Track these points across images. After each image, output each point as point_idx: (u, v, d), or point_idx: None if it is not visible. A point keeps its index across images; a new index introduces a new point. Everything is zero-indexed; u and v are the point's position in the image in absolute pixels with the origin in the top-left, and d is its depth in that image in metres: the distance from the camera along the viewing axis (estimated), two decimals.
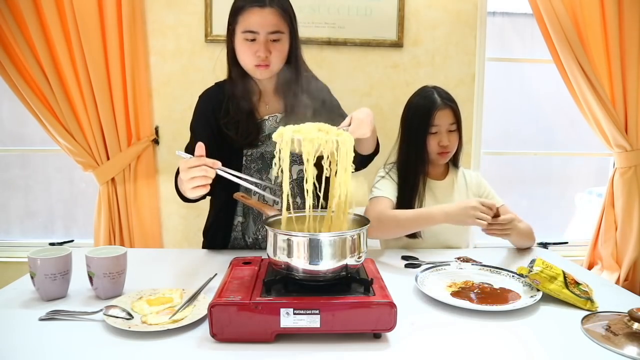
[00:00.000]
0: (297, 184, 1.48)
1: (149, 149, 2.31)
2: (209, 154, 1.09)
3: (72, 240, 2.51)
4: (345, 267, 0.94)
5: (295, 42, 1.39)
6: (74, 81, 2.16)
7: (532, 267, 1.12)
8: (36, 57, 2.13)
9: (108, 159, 2.25)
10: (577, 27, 2.27)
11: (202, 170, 1.04)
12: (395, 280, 1.20)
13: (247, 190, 1.33)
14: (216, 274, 1.20)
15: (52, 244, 2.32)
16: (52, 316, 0.98)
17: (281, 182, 0.98)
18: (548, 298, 1.09)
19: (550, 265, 1.12)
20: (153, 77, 2.31)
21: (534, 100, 2.69)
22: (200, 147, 1.07)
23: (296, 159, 1.42)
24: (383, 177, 1.60)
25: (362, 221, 1.04)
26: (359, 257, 0.96)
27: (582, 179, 2.78)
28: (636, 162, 2.38)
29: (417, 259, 1.43)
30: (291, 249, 0.93)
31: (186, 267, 1.35)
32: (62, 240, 2.48)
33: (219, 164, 1.07)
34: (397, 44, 2.35)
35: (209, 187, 1.07)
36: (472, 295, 1.11)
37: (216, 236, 1.50)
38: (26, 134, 2.47)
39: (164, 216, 2.41)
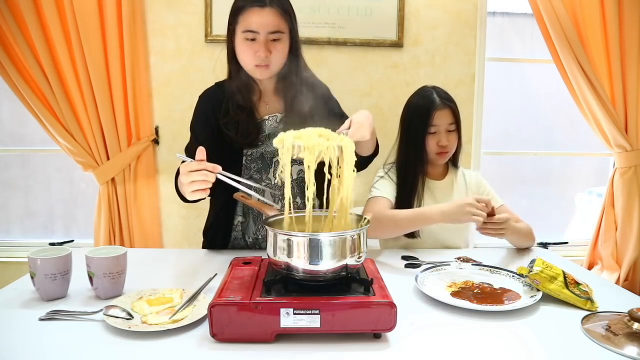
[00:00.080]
0: (297, 183, 1.48)
1: (149, 149, 2.31)
2: (209, 154, 1.09)
3: (72, 240, 2.51)
4: (345, 267, 0.94)
5: (295, 42, 1.39)
6: (74, 81, 2.16)
7: (532, 267, 1.12)
8: (36, 57, 2.13)
9: (108, 159, 2.25)
10: (577, 27, 2.27)
11: (202, 175, 1.04)
12: (395, 280, 1.20)
13: (246, 184, 1.33)
14: (216, 274, 1.20)
15: (52, 244, 2.32)
16: (52, 316, 0.98)
17: (282, 186, 0.98)
18: (548, 298, 1.09)
19: (550, 265, 1.12)
20: (153, 77, 2.31)
21: (534, 100, 2.69)
22: (201, 152, 1.07)
23: (296, 159, 1.43)
24: (382, 177, 1.60)
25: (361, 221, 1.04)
26: (359, 257, 0.96)
27: (582, 179, 2.78)
28: (636, 162, 2.38)
29: (417, 259, 1.43)
30: (291, 249, 0.93)
31: (186, 267, 1.35)
32: (62, 240, 2.48)
33: (219, 168, 1.07)
34: (397, 44, 2.35)
35: (208, 191, 1.07)
36: (472, 296, 1.11)
37: (216, 236, 1.50)
38: (26, 134, 2.47)
39: (164, 216, 2.41)
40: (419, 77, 2.38)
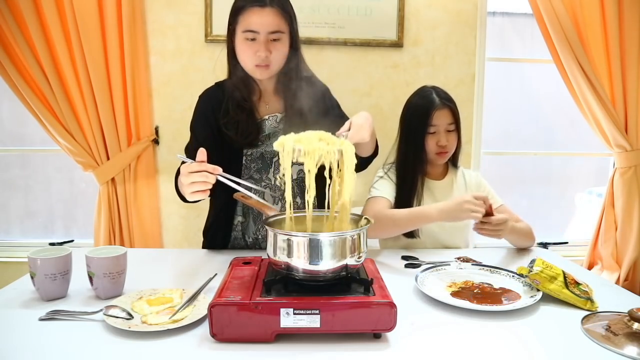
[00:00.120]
0: (297, 183, 1.48)
1: (149, 149, 2.31)
2: (209, 154, 1.09)
3: (72, 240, 2.51)
4: (345, 267, 0.94)
5: (295, 42, 1.39)
6: (74, 81, 2.16)
7: (532, 267, 1.12)
8: (36, 57, 2.13)
9: (108, 159, 2.25)
10: (577, 27, 2.27)
11: (202, 176, 1.04)
12: (395, 280, 1.20)
13: (246, 186, 1.33)
14: (216, 274, 1.20)
15: (52, 244, 2.32)
16: (52, 316, 0.98)
17: (283, 190, 0.99)
18: (548, 298, 1.09)
19: (550, 265, 1.12)
20: (153, 77, 2.31)
21: (534, 100, 2.68)
22: (202, 153, 1.07)
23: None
24: (381, 177, 1.60)
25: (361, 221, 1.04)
26: (359, 257, 0.96)
27: (582, 179, 2.78)
28: (636, 162, 2.38)
29: (417, 259, 1.43)
30: (291, 249, 0.93)
31: (186, 267, 1.35)
32: (62, 240, 2.48)
33: (219, 170, 1.07)
34: (397, 44, 2.35)
35: (208, 192, 1.08)
36: (472, 296, 1.11)
37: (216, 236, 1.50)
38: (26, 134, 2.47)
39: (164, 216, 2.41)
40: (419, 77, 2.38)
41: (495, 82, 2.55)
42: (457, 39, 2.39)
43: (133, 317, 0.97)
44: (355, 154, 1.02)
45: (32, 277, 1.07)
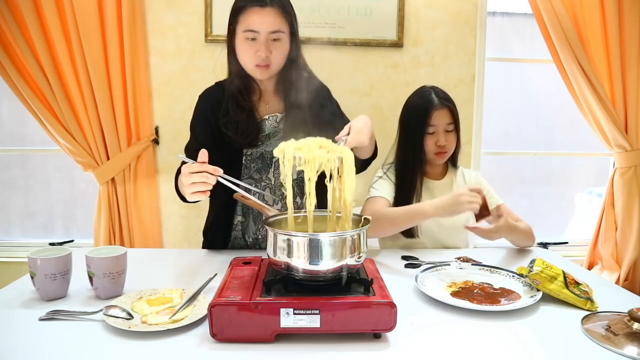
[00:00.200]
0: (297, 183, 1.48)
1: (149, 149, 2.31)
2: (209, 154, 1.09)
3: (72, 240, 2.51)
4: (346, 267, 0.94)
5: (295, 42, 1.39)
6: (74, 81, 2.16)
7: (532, 267, 1.12)
8: (36, 57, 2.13)
9: (108, 159, 2.25)
10: (577, 27, 2.27)
11: (203, 177, 1.04)
12: (395, 280, 1.20)
13: (246, 188, 1.33)
14: (216, 274, 1.20)
15: (52, 244, 2.32)
16: (52, 316, 0.98)
17: (285, 196, 1.00)
18: (548, 298, 1.09)
19: (550, 265, 1.12)
20: (153, 77, 2.31)
21: (534, 100, 2.68)
22: (203, 154, 1.07)
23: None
24: (381, 177, 1.61)
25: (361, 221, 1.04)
26: (359, 257, 0.97)
27: (582, 179, 2.78)
28: (636, 162, 2.38)
29: (417, 259, 1.43)
30: (291, 249, 0.93)
31: (186, 267, 1.35)
32: (62, 240, 2.48)
33: (220, 171, 1.07)
34: (397, 44, 2.35)
35: (208, 193, 1.08)
36: (472, 296, 1.11)
37: (216, 236, 1.50)
38: (26, 134, 2.47)
39: (164, 216, 2.41)
40: (419, 77, 2.38)
41: (495, 82, 2.55)
42: (457, 39, 2.39)
43: (133, 317, 0.97)
44: (355, 156, 1.03)
45: (32, 277, 1.07)
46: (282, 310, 0.87)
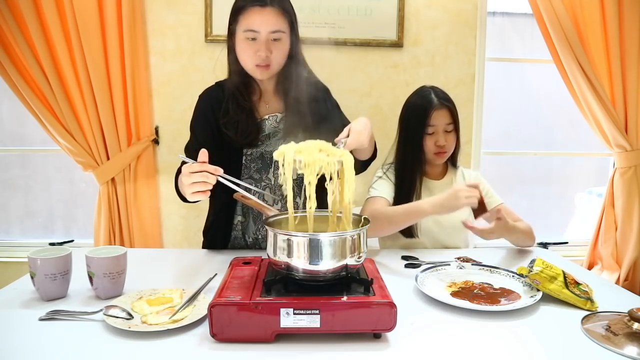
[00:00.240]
0: (297, 183, 1.48)
1: (149, 149, 2.31)
2: (209, 154, 1.09)
3: (72, 240, 2.51)
4: (345, 267, 0.94)
5: (295, 42, 1.39)
6: (74, 81, 2.16)
7: (532, 267, 1.12)
8: (36, 57, 2.13)
9: (108, 159, 2.25)
10: (577, 27, 2.27)
11: (203, 176, 1.04)
12: (395, 280, 1.20)
13: (246, 188, 1.34)
14: (216, 274, 1.20)
15: (52, 244, 2.32)
16: (52, 316, 0.98)
17: (285, 199, 1.01)
18: (548, 298, 1.09)
19: (550, 265, 1.12)
20: (153, 77, 2.31)
21: (534, 100, 2.68)
22: (203, 154, 1.07)
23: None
24: (380, 177, 1.61)
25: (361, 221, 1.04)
26: (359, 257, 0.97)
27: (582, 179, 2.78)
28: (636, 162, 2.38)
29: (417, 259, 1.43)
30: (291, 249, 0.93)
31: (186, 267, 1.35)
32: (62, 240, 2.48)
33: (220, 170, 1.07)
34: (397, 44, 2.35)
35: (209, 193, 1.08)
36: (472, 296, 1.11)
37: (216, 236, 1.50)
38: (26, 134, 2.47)
39: (164, 216, 2.41)
40: (419, 77, 2.38)
41: (495, 82, 2.54)
42: (457, 39, 2.39)
43: (133, 317, 0.97)
44: (355, 158, 1.03)
45: (32, 277, 1.07)
46: (282, 310, 0.87)
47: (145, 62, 2.27)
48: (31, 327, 0.95)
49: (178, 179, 1.29)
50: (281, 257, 0.94)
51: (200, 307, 1.01)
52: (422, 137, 1.55)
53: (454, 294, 1.12)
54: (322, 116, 1.43)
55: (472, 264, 1.33)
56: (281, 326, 0.88)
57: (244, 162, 1.43)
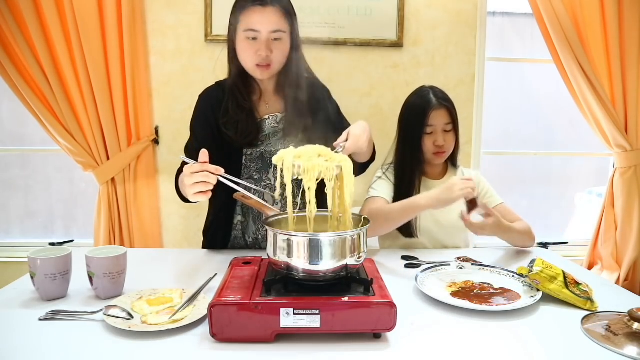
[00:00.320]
0: (297, 184, 1.47)
1: (149, 149, 2.31)
2: (209, 154, 1.09)
3: (72, 240, 2.51)
4: (345, 267, 0.94)
5: (296, 42, 1.39)
6: (74, 81, 2.16)
7: (532, 267, 1.12)
8: (36, 57, 2.13)
9: (108, 159, 2.25)
10: (577, 27, 2.27)
11: (204, 176, 1.05)
12: (395, 280, 1.20)
13: (247, 188, 1.34)
14: (216, 274, 1.20)
15: (52, 244, 2.32)
16: (52, 316, 0.98)
17: (285, 200, 1.01)
18: (548, 298, 1.09)
19: (550, 265, 1.12)
20: (153, 77, 2.31)
21: (534, 100, 2.68)
22: (204, 154, 1.08)
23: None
24: (380, 177, 1.61)
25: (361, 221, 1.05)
26: (359, 257, 0.97)
27: (582, 179, 2.78)
28: (636, 162, 2.37)
29: (417, 259, 1.43)
30: (291, 249, 0.93)
31: (186, 267, 1.35)
32: (62, 240, 2.47)
33: (221, 170, 1.08)
34: (397, 44, 2.35)
35: (210, 194, 1.08)
36: (472, 296, 1.11)
37: (216, 235, 1.50)
38: (26, 134, 2.47)
39: (164, 216, 2.40)
40: (419, 77, 2.38)
41: (495, 82, 2.54)
42: (457, 39, 2.39)
43: (133, 317, 0.97)
44: (353, 160, 1.04)
45: (32, 277, 1.07)
46: (282, 310, 0.87)
47: (145, 62, 2.27)
48: (31, 327, 0.95)
49: (179, 179, 1.29)
50: (281, 257, 0.94)
51: (200, 307, 1.01)
52: (421, 137, 1.55)
53: (454, 294, 1.12)
54: (322, 117, 1.43)
55: (472, 264, 1.33)
56: (281, 326, 0.88)
57: (244, 162, 1.43)
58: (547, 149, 2.72)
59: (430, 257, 1.43)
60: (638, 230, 2.39)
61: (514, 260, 1.45)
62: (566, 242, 2.69)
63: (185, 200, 1.27)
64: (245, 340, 0.89)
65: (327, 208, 1.04)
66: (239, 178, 1.39)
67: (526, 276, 1.13)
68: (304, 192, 1.00)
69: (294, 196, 1.45)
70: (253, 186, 1.25)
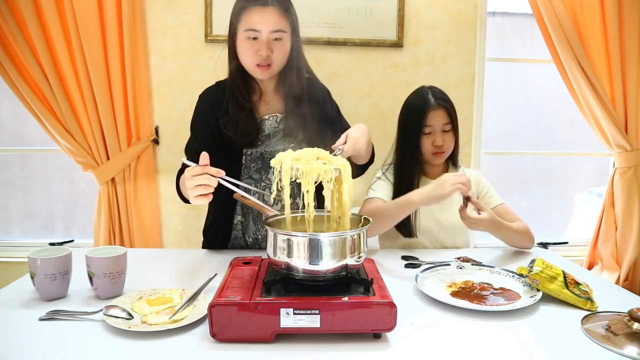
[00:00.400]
0: (297, 185, 1.48)
1: (149, 149, 2.31)
2: (209, 154, 1.09)
3: (72, 240, 2.51)
4: (345, 267, 0.94)
5: (296, 42, 1.39)
6: (74, 81, 2.16)
7: (532, 267, 1.12)
8: (36, 57, 2.13)
9: (108, 159, 2.25)
10: (577, 27, 2.27)
11: (204, 179, 1.05)
12: (395, 280, 1.20)
13: (247, 190, 1.34)
14: (216, 274, 1.20)
15: (52, 244, 2.32)
16: (52, 316, 0.98)
17: (282, 206, 1.02)
18: (548, 298, 1.09)
19: (550, 265, 1.12)
20: (153, 77, 2.31)
21: (534, 100, 2.68)
22: (204, 157, 1.08)
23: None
24: (379, 178, 1.61)
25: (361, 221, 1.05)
26: (358, 257, 0.97)
27: (582, 179, 2.78)
28: (636, 162, 2.37)
29: (417, 259, 1.43)
30: (291, 249, 0.93)
31: (186, 267, 1.35)
32: (62, 240, 2.47)
33: (222, 173, 1.08)
34: (397, 44, 2.35)
35: (211, 196, 1.08)
36: (472, 296, 1.11)
37: (216, 235, 1.50)
38: (26, 134, 2.47)
39: (164, 216, 2.40)
40: (419, 77, 2.38)
41: (495, 82, 2.54)
42: (457, 39, 2.39)
43: (133, 317, 0.97)
44: (352, 162, 1.04)
45: (32, 277, 1.07)
46: (282, 310, 0.87)
47: (145, 62, 2.27)
48: (31, 327, 0.95)
49: (180, 181, 1.29)
50: (281, 257, 0.94)
51: (200, 307, 1.01)
52: (419, 137, 1.56)
53: (454, 294, 1.12)
54: (322, 118, 1.43)
55: (472, 264, 1.33)
56: (281, 326, 0.88)
57: (244, 162, 1.43)
58: (547, 149, 2.72)
59: (430, 257, 1.44)
60: (638, 230, 2.39)
61: (514, 260, 1.45)
62: (566, 242, 2.69)
63: (186, 201, 1.27)
64: (245, 340, 0.89)
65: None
66: (239, 178, 1.40)
67: (526, 276, 1.13)
68: (302, 191, 1.00)
69: (295, 197, 1.46)
70: (253, 188, 1.25)
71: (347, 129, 1.26)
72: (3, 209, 2.53)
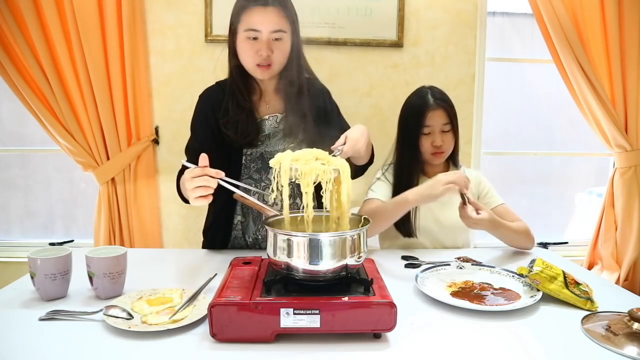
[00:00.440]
0: (297, 185, 1.47)
1: (149, 149, 2.31)
2: (209, 154, 1.09)
3: (72, 240, 2.51)
4: (345, 267, 0.94)
5: (297, 42, 1.39)
6: (74, 81, 2.16)
7: (532, 267, 1.12)
8: (36, 57, 2.13)
9: (108, 159, 2.25)
10: (577, 27, 2.27)
11: (204, 180, 1.05)
12: (395, 280, 1.20)
13: (247, 190, 1.34)
14: (216, 274, 1.20)
15: (52, 244, 2.32)
16: (52, 316, 0.98)
17: (281, 206, 1.02)
18: (548, 298, 1.09)
19: (550, 265, 1.12)
20: (153, 77, 2.31)
21: (534, 100, 2.68)
22: (204, 158, 1.08)
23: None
24: (379, 178, 1.62)
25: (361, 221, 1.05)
26: (359, 257, 0.97)
27: (582, 179, 2.78)
28: (636, 162, 2.38)
29: (417, 259, 1.43)
30: (291, 249, 0.93)
31: (186, 267, 1.35)
32: (62, 240, 2.48)
33: (222, 174, 1.08)
34: (397, 44, 2.35)
35: (211, 198, 1.08)
36: (472, 296, 1.11)
37: (216, 235, 1.50)
38: (26, 134, 2.47)
39: (164, 216, 2.40)
40: (419, 77, 2.38)
41: (495, 82, 2.54)
42: (457, 39, 2.39)
43: (133, 317, 0.97)
44: (351, 163, 1.04)
45: (32, 277, 1.07)
46: (282, 310, 0.87)
47: (145, 62, 2.27)
48: (31, 327, 0.95)
49: (180, 182, 1.29)
50: (281, 257, 0.94)
51: (200, 307, 1.01)
52: (419, 137, 1.56)
53: (454, 294, 1.12)
54: (322, 118, 1.43)
55: (472, 264, 1.33)
56: (281, 326, 0.88)
57: (244, 162, 1.43)
58: (547, 149, 2.72)
59: (430, 257, 1.44)
60: (638, 230, 2.39)
61: (514, 260, 1.44)
62: (566, 242, 2.69)
63: (187, 202, 1.27)
64: (245, 340, 0.89)
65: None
66: (239, 178, 1.40)
67: (526, 276, 1.13)
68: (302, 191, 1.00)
69: (295, 197, 1.46)
70: (253, 188, 1.25)
71: (347, 129, 1.26)
72: (3, 209, 2.53)
